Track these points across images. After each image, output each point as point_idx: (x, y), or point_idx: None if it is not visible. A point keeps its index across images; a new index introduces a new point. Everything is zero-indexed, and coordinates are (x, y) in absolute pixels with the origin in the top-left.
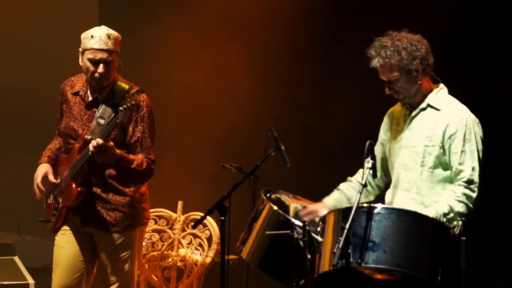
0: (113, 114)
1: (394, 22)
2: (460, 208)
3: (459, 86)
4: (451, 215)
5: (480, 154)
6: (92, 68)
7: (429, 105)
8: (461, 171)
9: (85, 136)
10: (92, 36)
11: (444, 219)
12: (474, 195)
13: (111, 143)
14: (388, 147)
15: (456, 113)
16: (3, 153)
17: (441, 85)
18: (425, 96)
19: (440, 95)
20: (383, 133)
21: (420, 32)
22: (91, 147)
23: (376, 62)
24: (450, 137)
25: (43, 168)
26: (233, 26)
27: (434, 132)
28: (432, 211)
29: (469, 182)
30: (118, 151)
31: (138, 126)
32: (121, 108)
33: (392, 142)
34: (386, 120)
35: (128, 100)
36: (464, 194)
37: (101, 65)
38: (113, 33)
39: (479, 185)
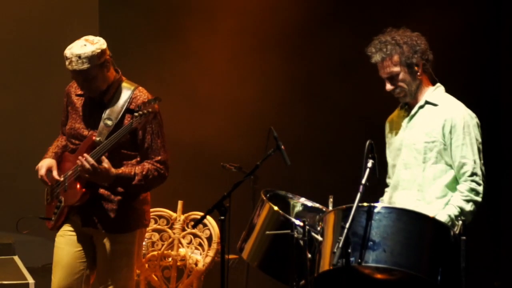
0: (121, 115)
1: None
2: (470, 207)
3: (459, 86)
4: (463, 216)
5: (480, 147)
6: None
7: (427, 102)
8: (464, 164)
9: (93, 138)
10: (66, 57)
11: (459, 221)
12: (481, 188)
13: (105, 165)
14: (389, 151)
15: (453, 108)
16: (3, 152)
17: (438, 84)
18: (423, 95)
19: (437, 92)
20: (387, 139)
21: (421, 31)
22: (84, 163)
23: (377, 57)
24: (450, 132)
25: (48, 162)
26: (233, 27)
27: (433, 128)
28: (443, 216)
29: (473, 174)
30: (114, 171)
31: (147, 128)
32: (136, 114)
33: (392, 146)
34: (386, 127)
35: (143, 107)
36: (472, 190)
37: (80, 83)
38: (86, 51)
39: (484, 177)
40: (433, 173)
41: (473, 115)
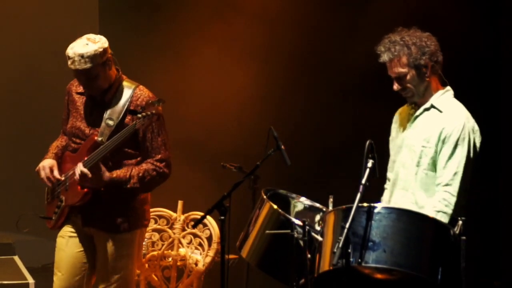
0: (122, 115)
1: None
2: (439, 217)
3: (459, 85)
4: None
5: (470, 163)
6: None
7: (432, 106)
8: (443, 174)
9: (95, 138)
10: (68, 56)
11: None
12: (453, 199)
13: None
14: (392, 145)
15: (454, 117)
16: (4, 152)
17: (448, 87)
18: (431, 96)
19: (445, 97)
20: (392, 132)
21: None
22: (77, 174)
23: (385, 57)
24: (443, 141)
25: (49, 162)
26: (234, 26)
27: (431, 134)
28: None
29: (447, 185)
30: (108, 175)
31: (147, 127)
32: (139, 115)
33: (395, 141)
34: (394, 118)
35: (147, 108)
36: (444, 200)
37: (83, 82)
38: (88, 50)
39: (461, 191)
40: (425, 179)
41: (475, 128)
